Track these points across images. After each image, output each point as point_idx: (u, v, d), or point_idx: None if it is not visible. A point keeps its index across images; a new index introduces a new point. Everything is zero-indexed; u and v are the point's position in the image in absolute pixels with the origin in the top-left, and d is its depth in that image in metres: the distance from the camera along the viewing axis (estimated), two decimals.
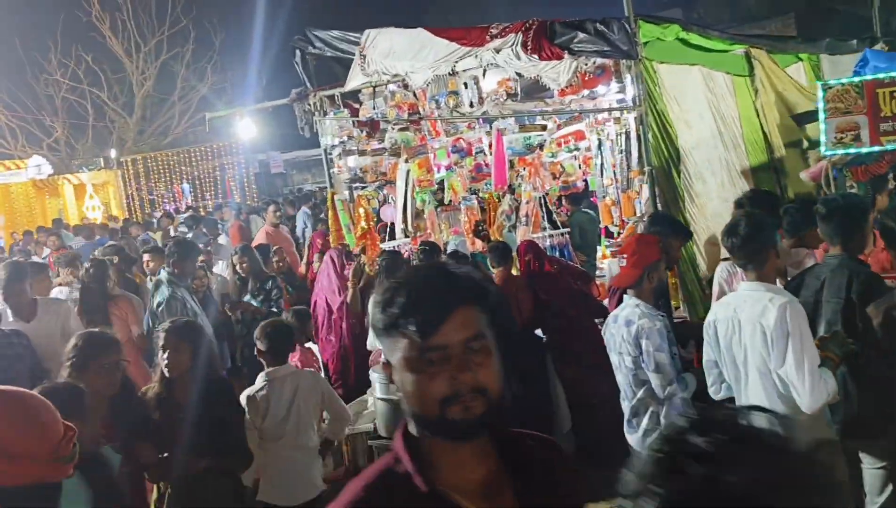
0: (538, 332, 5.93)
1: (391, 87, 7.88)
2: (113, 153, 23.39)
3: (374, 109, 7.99)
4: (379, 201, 8.62)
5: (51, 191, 22.48)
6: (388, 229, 8.40)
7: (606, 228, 8.36)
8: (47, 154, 23.81)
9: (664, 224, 4.87)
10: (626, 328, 4.04)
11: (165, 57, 27.92)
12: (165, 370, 3.81)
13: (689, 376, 4.11)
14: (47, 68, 26.61)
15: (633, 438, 4.14)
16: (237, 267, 6.88)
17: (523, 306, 5.76)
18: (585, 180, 8.76)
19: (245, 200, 24.37)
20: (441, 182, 8.01)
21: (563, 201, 8.91)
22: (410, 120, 7.80)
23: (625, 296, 4.12)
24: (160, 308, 5.65)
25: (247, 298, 6.79)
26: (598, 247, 8.51)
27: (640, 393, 4.10)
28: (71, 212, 21.46)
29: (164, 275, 5.93)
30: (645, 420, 4.10)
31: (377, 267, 6.09)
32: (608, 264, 7.33)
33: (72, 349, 3.66)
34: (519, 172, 8.26)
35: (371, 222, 8.42)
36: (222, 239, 11.45)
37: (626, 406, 4.19)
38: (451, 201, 8.09)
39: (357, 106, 8.74)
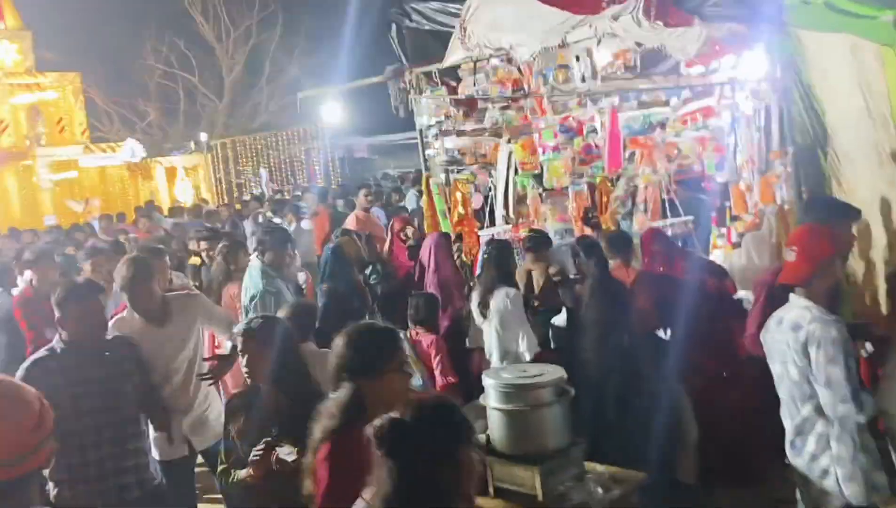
0: (661, 333, 5.30)
1: (493, 61, 7.33)
2: (203, 137, 23.68)
3: (474, 85, 7.46)
4: (474, 186, 8.08)
5: (144, 174, 22.90)
6: (487, 215, 7.86)
7: (718, 215, 7.62)
8: (141, 137, 24.28)
9: (828, 210, 4.16)
10: (792, 334, 3.40)
11: (255, 41, 28.15)
12: (245, 377, 3.40)
13: (866, 395, 3.45)
14: (142, 54, 27.22)
15: (798, 461, 3.51)
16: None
17: (646, 304, 5.15)
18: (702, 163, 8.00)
19: (330, 184, 24.27)
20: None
21: (673, 186, 8.20)
22: (514, 97, 7.24)
23: (791, 295, 3.48)
24: (253, 302, 5.26)
25: None
26: (710, 237, 7.79)
27: (805, 410, 3.46)
28: (162, 195, 21.79)
29: (256, 265, 5.55)
30: (811, 443, 3.46)
31: (484, 255, 5.56)
32: (721, 256, 6.62)
33: None
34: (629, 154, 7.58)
35: (468, 208, 7.93)
36: (305, 224, 11.17)
37: (788, 424, 3.56)
38: (552, 185, 7.48)
39: (455, 84, 8.23)
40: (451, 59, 7.50)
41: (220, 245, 6.54)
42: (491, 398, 3.83)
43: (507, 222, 7.55)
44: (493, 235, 7.24)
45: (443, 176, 8.23)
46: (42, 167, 20.01)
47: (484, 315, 5.36)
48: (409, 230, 8.32)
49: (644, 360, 4.80)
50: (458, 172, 8.39)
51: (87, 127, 23.63)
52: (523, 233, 6.95)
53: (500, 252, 5.38)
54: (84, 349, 3.71)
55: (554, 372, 3.84)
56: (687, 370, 5.07)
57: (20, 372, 3.57)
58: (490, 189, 7.90)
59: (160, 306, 4.30)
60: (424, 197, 8.33)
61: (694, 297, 5.03)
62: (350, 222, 9.48)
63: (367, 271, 6.56)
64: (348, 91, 22.32)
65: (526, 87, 7.12)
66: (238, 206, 17.14)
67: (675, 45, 5.95)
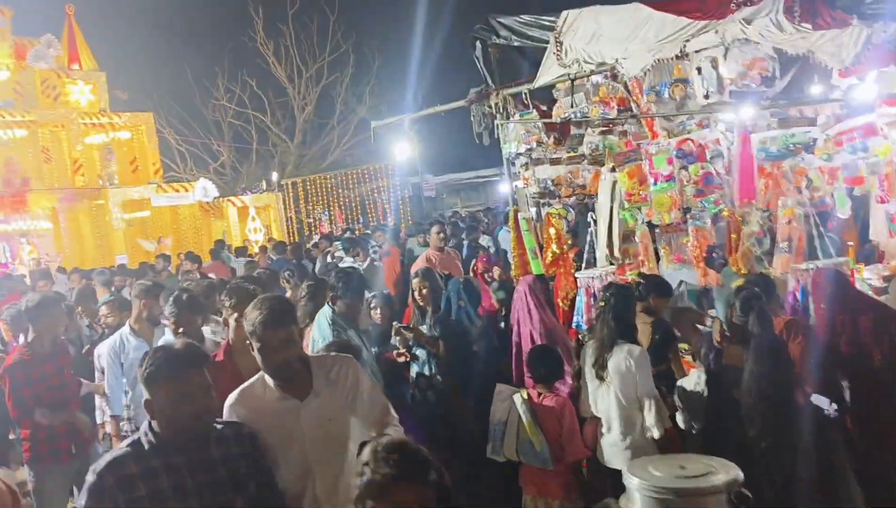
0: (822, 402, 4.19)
1: (595, 79, 6.41)
2: (274, 176, 23.44)
3: (571, 107, 6.54)
4: (567, 222, 7.11)
5: (216, 213, 22.70)
6: (585, 254, 6.87)
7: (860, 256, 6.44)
8: (213, 177, 24.21)
9: None
10: None
11: (326, 82, 28.07)
12: None
13: None
14: (214, 94, 27.42)
15: None
16: (416, 293, 5.58)
17: (805, 362, 4.06)
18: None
19: (400, 222, 23.62)
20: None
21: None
22: (619, 119, 6.28)
23: None
24: None
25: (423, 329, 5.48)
26: None
27: None
28: (234, 233, 21.48)
29: (326, 313, 4.69)
30: None
31: (600, 303, 4.56)
32: None
33: None
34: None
35: (564, 246, 6.96)
36: (377, 263, 10.41)
37: None
38: (658, 221, 6.45)
39: (546, 106, 7.34)
40: (544, 77, 6.60)
41: (305, 284, 5.75)
42: (637, 503, 2.82)
43: (610, 263, 6.53)
44: (600, 275, 6.22)
45: (533, 211, 7.29)
46: (115, 206, 19.95)
47: (601, 377, 4.36)
48: (496, 271, 7.38)
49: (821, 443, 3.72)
50: (548, 204, 7.46)
51: (160, 166, 23.66)
52: (630, 276, 5.94)
53: (621, 300, 4.38)
54: (182, 446, 2.58)
55: (724, 469, 2.82)
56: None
57: (91, 478, 2.46)
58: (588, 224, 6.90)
59: (303, 370, 3.01)
60: (511, 234, 7.40)
61: (871, 351, 3.93)
62: (421, 262, 8.60)
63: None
64: (421, 126, 21.84)
65: (634, 106, 6.15)
66: (308, 245, 16.64)
67: (828, 50, 4.92)
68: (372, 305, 6.12)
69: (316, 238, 22.47)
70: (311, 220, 25.63)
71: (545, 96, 7.17)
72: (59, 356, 5.12)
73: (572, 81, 6.46)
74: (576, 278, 6.60)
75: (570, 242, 6.86)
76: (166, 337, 4.63)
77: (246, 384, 3.06)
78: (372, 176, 22.59)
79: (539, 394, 4.41)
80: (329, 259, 11.35)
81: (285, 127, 28.36)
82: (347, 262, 9.41)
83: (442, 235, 9.36)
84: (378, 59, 27.83)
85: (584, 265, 6.71)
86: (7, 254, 19.76)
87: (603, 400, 4.37)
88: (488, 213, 27.02)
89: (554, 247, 6.93)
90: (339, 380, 3.04)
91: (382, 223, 23.78)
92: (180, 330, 4.44)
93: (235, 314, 3.90)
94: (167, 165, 25.92)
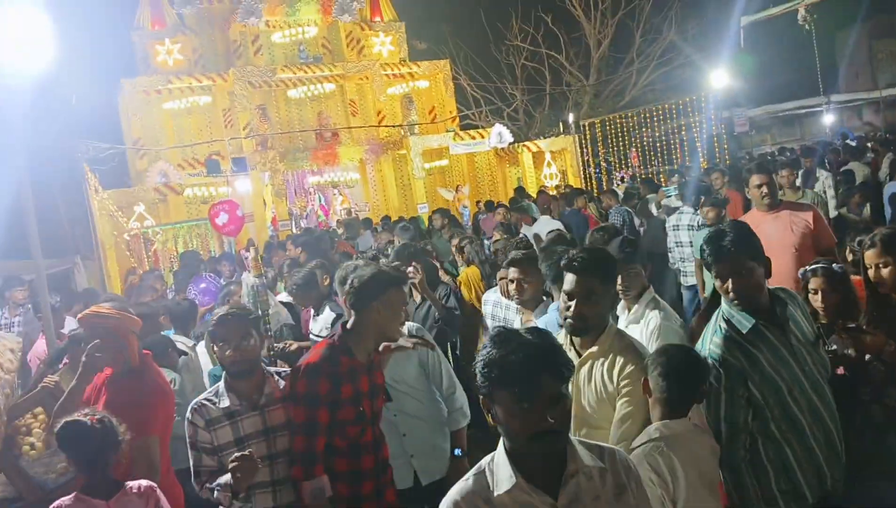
0: None
1: None
2: (570, 118, 22.04)
3: None
4: None
5: (510, 159, 22.00)
6: None
7: None
8: (507, 123, 23.46)
9: None
10: None
11: (622, 14, 25.89)
12: None
13: None
14: (507, 37, 26.61)
15: None
16: None
17: None
18: None
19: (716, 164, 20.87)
20: None
21: None
22: None
23: None
24: None
25: None
26: None
27: None
28: (529, 180, 20.60)
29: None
30: None
31: None
32: None
33: None
34: None
35: None
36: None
37: None
38: None
39: None
40: None
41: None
42: None
43: None
44: None
45: None
46: (415, 156, 20.01)
47: None
48: None
49: None
50: None
51: (457, 114, 23.46)
52: None
53: None
54: None
55: None
56: None
57: None
58: None
59: None
60: None
61: None
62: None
63: None
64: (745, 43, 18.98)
65: None
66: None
67: None
68: None
69: (620, 180, 20.81)
70: (607, 163, 23.92)
71: None
72: None
73: None
74: None
75: None
76: None
77: None
78: (681, 112, 20.19)
79: None
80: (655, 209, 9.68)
81: (579, 66, 26.77)
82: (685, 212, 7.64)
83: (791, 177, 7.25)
84: None
85: None
86: (322, 204, 20.82)
87: None
88: (804, 152, 23.18)
89: None
90: None
91: (684, 165, 21.32)
92: None
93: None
94: (462, 113, 25.76)
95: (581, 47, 26.86)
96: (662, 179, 19.89)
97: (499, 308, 5.01)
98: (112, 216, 13.53)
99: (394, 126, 20.92)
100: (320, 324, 5.33)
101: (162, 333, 4.98)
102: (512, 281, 4.34)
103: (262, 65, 19.94)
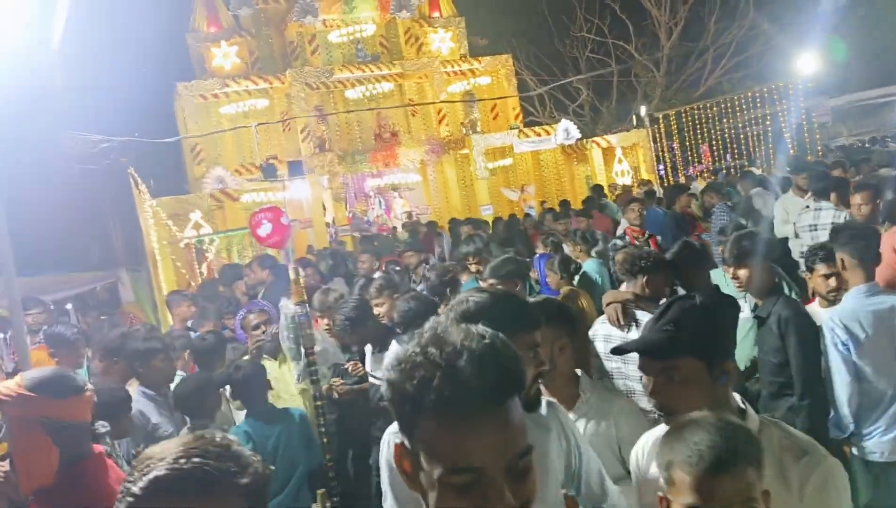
0: None
1: None
2: (643, 110, 20.75)
3: None
4: None
5: (578, 157, 20.88)
6: None
7: None
8: (573, 119, 22.31)
9: None
10: None
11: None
12: None
13: None
14: (572, 29, 25.46)
15: None
16: None
17: None
18: None
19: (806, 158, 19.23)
20: None
21: None
22: None
23: None
24: None
25: None
26: None
27: None
28: (599, 178, 19.44)
29: None
30: None
31: None
32: None
33: None
34: None
35: None
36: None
37: None
38: None
39: None
40: None
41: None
42: None
43: None
44: None
45: None
46: (478, 155, 19.09)
47: None
48: None
49: None
50: None
51: (520, 111, 22.45)
52: None
53: None
54: None
55: None
56: None
57: None
58: None
59: None
60: None
61: None
62: None
63: None
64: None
65: None
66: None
67: None
68: None
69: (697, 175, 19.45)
70: (681, 158, 22.53)
71: None
72: None
73: None
74: None
75: None
76: None
77: None
78: (765, 100, 18.71)
79: None
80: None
81: (648, 56, 25.41)
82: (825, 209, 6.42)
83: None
84: None
85: None
86: (382, 207, 20.11)
87: None
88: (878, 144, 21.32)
89: None
90: None
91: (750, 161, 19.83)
92: None
93: None
94: (526, 110, 24.72)
95: (649, 37, 25.48)
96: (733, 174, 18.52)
97: (611, 344, 3.88)
98: (165, 225, 12.98)
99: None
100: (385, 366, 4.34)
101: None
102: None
103: (319, 65, 19.33)
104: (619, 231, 7.96)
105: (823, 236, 6.09)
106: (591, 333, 4.04)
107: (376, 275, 7.29)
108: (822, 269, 4.06)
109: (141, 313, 10.89)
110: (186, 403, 3.92)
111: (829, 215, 6.20)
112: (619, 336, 3.83)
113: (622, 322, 3.79)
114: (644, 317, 3.78)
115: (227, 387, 4.20)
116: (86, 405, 2.45)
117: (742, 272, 3.86)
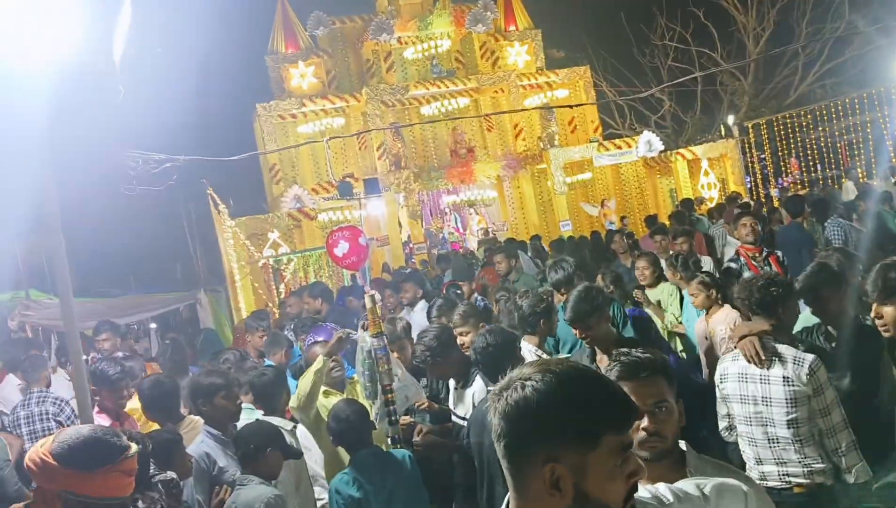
0: None
1: None
2: (730, 119, 19.83)
3: None
4: None
5: (661, 169, 20.10)
6: None
7: None
8: (655, 131, 21.54)
9: None
10: None
11: (783, 2, 23.30)
12: None
13: None
14: (652, 38, 24.70)
15: None
16: None
17: None
18: None
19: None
20: None
21: None
22: None
23: None
24: None
25: None
26: None
27: None
28: (684, 192, 18.62)
29: None
30: None
31: None
32: None
33: None
34: None
35: None
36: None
37: None
38: None
39: None
40: None
41: None
42: None
43: None
44: None
45: None
46: (556, 169, 18.58)
47: None
48: None
49: None
50: None
51: (599, 124, 21.82)
52: None
53: None
54: None
55: None
56: None
57: None
58: None
59: None
60: None
61: None
62: None
63: None
64: None
65: None
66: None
67: None
68: None
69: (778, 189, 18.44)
70: (773, 168, 21.44)
71: None
72: None
73: None
74: None
75: None
76: None
77: None
78: (864, 106, 17.54)
79: None
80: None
81: (733, 64, 24.37)
82: None
83: None
84: None
85: None
86: (458, 224, 19.79)
87: None
88: None
89: None
90: None
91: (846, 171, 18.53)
92: None
93: None
94: (605, 123, 24.03)
95: (734, 43, 24.44)
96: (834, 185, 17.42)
97: (749, 384, 3.35)
98: (243, 245, 12.98)
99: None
100: (468, 402, 3.90)
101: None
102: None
103: (394, 83, 19.22)
104: (729, 252, 7.31)
105: None
106: (718, 373, 3.55)
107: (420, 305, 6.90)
108: None
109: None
110: (245, 451, 3.59)
111: None
112: (758, 375, 3.31)
113: (763, 358, 3.27)
114: (787, 352, 3.28)
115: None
116: (120, 479, 2.15)
117: (889, 311, 3.07)
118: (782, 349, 3.30)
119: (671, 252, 7.16)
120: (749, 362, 3.32)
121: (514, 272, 8.21)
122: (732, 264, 6.41)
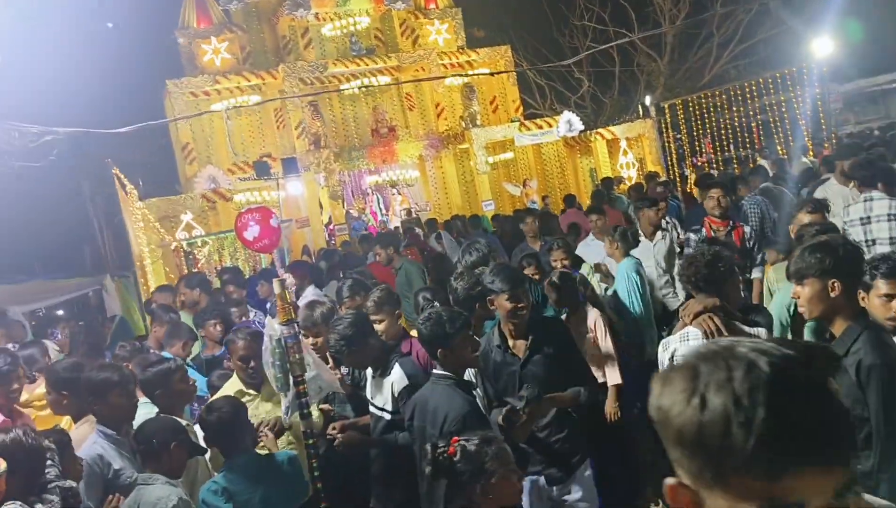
0: None
1: None
2: (648, 100, 20.15)
3: None
4: None
5: (582, 149, 20.28)
6: None
7: None
8: (575, 111, 21.69)
9: None
10: None
11: None
12: None
13: None
14: (571, 19, 24.81)
15: None
16: None
17: None
18: None
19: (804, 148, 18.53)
20: None
21: None
22: None
23: None
24: None
25: None
26: None
27: None
28: (604, 171, 18.83)
29: None
30: None
31: None
32: None
33: None
34: None
35: None
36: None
37: None
38: None
39: None
40: None
41: None
42: None
43: None
44: None
45: None
46: (478, 149, 18.50)
47: None
48: None
49: None
50: None
51: (521, 104, 21.83)
52: None
53: None
54: None
55: None
56: None
57: None
58: None
59: None
60: None
61: None
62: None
63: None
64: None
65: None
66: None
67: None
68: None
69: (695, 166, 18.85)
70: (689, 148, 21.90)
71: None
72: None
73: None
74: None
75: None
76: None
77: None
78: (778, 86, 18.00)
79: None
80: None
81: (651, 44, 24.76)
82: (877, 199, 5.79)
83: None
84: None
85: None
86: (381, 206, 19.52)
87: None
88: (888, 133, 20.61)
89: None
90: None
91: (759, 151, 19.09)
92: None
93: None
94: (526, 103, 24.07)
95: (651, 24, 24.77)
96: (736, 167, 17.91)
97: None
98: (154, 228, 12.40)
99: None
100: (387, 392, 3.73)
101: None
102: None
103: (312, 60, 18.70)
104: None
105: (878, 229, 5.51)
106: (665, 355, 3.34)
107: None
108: (883, 287, 3.02)
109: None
110: (147, 448, 3.32)
111: (883, 205, 5.57)
112: None
113: (725, 334, 3.02)
114: (743, 329, 3.10)
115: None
116: None
117: (803, 291, 2.89)
118: (738, 325, 3.17)
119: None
120: (709, 338, 3.12)
121: (397, 259, 8.06)
122: (693, 235, 6.37)
